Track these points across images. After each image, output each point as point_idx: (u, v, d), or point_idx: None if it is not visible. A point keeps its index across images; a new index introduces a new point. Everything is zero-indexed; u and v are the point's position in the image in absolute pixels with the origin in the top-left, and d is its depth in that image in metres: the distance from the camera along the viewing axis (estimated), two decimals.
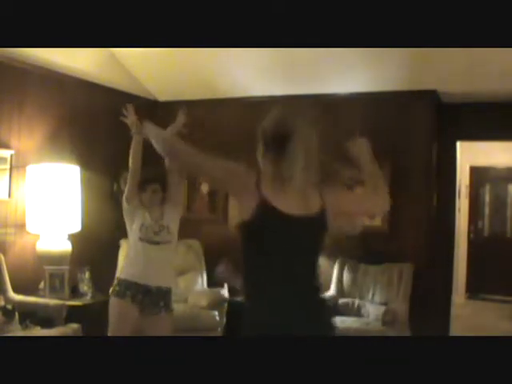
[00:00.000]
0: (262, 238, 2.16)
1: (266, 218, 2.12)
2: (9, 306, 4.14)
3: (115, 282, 3.68)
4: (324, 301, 2.31)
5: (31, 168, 4.76)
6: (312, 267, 2.25)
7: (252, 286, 2.24)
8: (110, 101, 5.70)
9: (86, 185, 5.14)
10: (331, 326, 2.28)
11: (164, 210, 3.69)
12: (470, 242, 8.53)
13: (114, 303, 3.62)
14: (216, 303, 5.11)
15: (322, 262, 4.35)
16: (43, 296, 4.59)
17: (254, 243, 2.17)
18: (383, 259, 5.27)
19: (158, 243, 3.59)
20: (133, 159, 3.66)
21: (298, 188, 2.19)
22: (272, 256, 2.16)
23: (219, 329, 5.03)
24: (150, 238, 3.59)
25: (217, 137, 6.13)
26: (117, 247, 5.49)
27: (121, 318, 3.58)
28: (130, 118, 3.70)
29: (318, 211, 2.21)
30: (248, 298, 2.27)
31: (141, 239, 3.60)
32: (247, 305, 2.25)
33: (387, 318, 4.64)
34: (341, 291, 5.28)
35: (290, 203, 2.16)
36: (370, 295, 5.16)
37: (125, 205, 3.69)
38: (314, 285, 2.25)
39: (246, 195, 2.14)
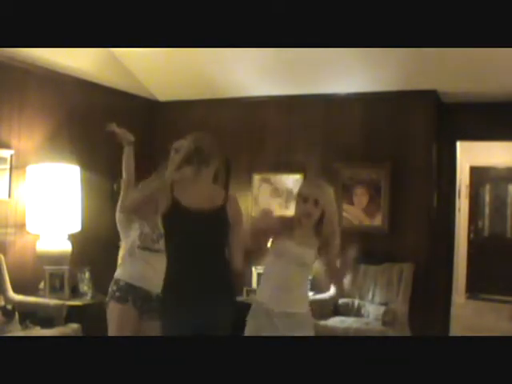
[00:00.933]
0: (173, 234, 2.70)
1: (175, 215, 2.66)
2: (9, 306, 4.14)
3: (114, 286, 3.57)
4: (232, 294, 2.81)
5: (31, 168, 4.76)
6: (221, 261, 2.75)
7: (167, 279, 2.70)
8: (109, 101, 5.71)
9: (86, 185, 5.14)
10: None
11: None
12: (470, 242, 8.52)
13: (114, 308, 3.50)
14: None
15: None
16: (43, 296, 4.59)
17: (169, 238, 2.73)
18: (383, 259, 5.27)
19: (157, 251, 3.44)
20: (126, 170, 3.64)
21: (206, 182, 2.80)
22: (182, 250, 2.64)
23: None
24: (150, 246, 3.49)
25: (217, 137, 6.12)
26: (117, 247, 5.48)
27: (122, 324, 3.45)
28: (117, 131, 3.76)
29: (220, 205, 2.74)
30: (163, 289, 2.73)
31: (139, 247, 3.51)
32: (162, 296, 2.72)
33: (387, 318, 4.64)
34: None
35: (197, 199, 2.70)
36: (370, 295, 5.16)
37: (118, 214, 3.60)
38: (224, 281, 2.74)
39: (162, 198, 2.70)
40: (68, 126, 5.23)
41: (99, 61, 5.26)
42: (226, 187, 3.10)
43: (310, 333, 2.96)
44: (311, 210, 2.87)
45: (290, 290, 2.90)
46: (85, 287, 4.85)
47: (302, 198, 2.91)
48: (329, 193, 2.96)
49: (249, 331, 2.93)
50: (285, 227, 2.94)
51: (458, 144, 5.94)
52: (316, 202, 2.87)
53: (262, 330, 2.87)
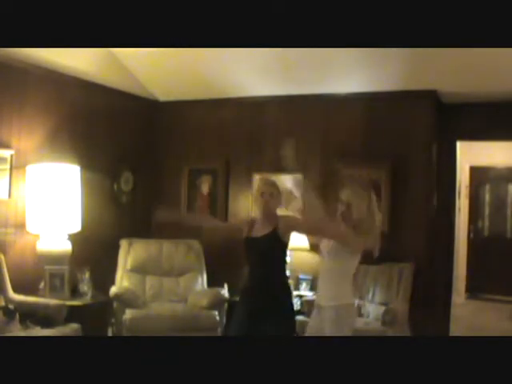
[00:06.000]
0: None
1: None
2: (11, 306, 4.14)
3: None
4: None
5: (31, 168, 4.76)
6: None
7: None
8: (110, 101, 5.71)
9: (86, 185, 5.14)
10: None
11: None
12: (470, 242, 8.52)
13: None
14: (216, 303, 5.12)
15: None
16: (43, 296, 4.59)
17: None
18: (383, 259, 5.26)
19: None
20: None
21: None
22: None
23: (219, 329, 5.03)
24: None
25: (217, 137, 6.13)
26: (117, 247, 5.50)
27: None
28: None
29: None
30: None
31: None
32: None
33: (387, 318, 4.64)
34: None
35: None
36: (370, 295, 5.16)
37: None
38: None
39: None
40: (68, 126, 5.23)
41: (99, 61, 5.26)
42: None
43: (353, 324, 3.44)
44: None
45: (335, 284, 3.41)
46: (85, 287, 4.85)
47: (340, 202, 3.54)
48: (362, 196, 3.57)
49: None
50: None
51: (458, 144, 5.94)
52: (349, 205, 3.49)
53: (312, 321, 3.47)
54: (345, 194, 3.59)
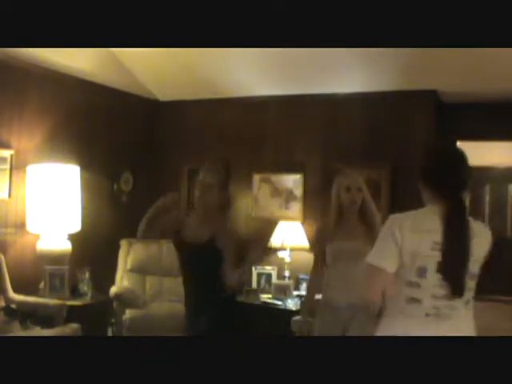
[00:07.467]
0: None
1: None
2: (13, 306, 4.15)
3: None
4: None
5: (31, 168, 4.76)
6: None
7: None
8: (109, 101, 5.71)
9: (86, 185, 5.14)
10: None
11: None
12: None
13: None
14: None
15: None
16: (43, 296, 4.59)
17: None
18: None
19: None
20: None
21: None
22: None
23: None
24: None
25: (217, 137, 6.13)
26: (117, 247, 5.50)
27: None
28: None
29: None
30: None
31: None
32: None
33: None
34: None
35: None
36: None
37: None
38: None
39: None
40: (68, 126, 5.23)
41: (99, 61, 5.26)
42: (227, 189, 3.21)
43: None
44: (356, 197, 3.29)
45: (353, 284, 3.11)
46: (85, 287, 4.86)
47: (344, 189, 3.29)
48: (362, 180, 3.36)
49: (316, 328, 3.21)
50: (335, 226, 3.33)
51: (458, 144, 5.94)
52: (359, 189, 3.29)
53: (327, 325, 3.17)
54: (353, 180, 3.35)
